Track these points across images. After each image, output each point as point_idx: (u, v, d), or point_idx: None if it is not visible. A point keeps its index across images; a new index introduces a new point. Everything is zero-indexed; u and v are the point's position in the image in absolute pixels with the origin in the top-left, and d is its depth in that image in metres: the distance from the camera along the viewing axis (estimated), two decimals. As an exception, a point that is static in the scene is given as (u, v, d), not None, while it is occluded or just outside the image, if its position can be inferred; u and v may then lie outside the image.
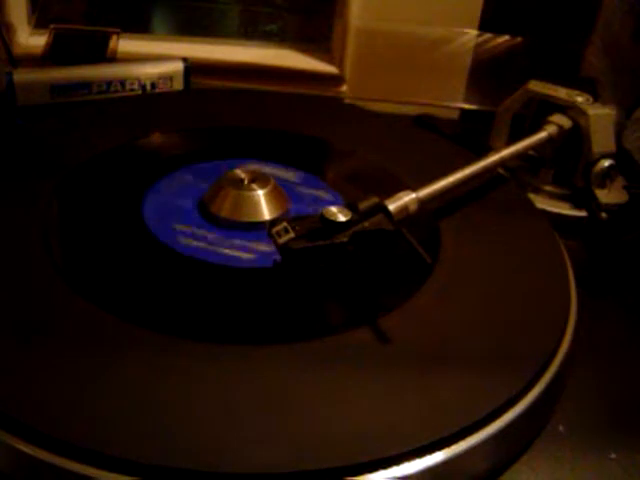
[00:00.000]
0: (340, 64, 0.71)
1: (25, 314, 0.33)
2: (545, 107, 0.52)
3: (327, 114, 0.56)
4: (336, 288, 0.38)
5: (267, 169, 0.46)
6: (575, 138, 0.50)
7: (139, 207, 0.42)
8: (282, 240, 0.36)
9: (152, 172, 0.46)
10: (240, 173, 0.42)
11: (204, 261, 0.38)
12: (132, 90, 0.57)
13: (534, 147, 0.49)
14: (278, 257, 0.37)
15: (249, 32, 0.80)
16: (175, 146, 0.50)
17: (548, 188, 0.51)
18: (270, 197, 0.42)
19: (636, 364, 0.39)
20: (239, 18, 0.83)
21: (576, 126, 0.50)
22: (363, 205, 0.37)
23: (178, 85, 0.59)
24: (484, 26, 0.71)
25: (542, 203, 0.50)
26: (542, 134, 0.49)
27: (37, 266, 0.36)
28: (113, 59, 0.62)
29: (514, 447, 0.32)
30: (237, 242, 0.40)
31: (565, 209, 0.50)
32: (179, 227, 0.41)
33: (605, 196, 0.49)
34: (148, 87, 0.57)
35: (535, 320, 0.36)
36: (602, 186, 0.49)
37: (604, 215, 0.48)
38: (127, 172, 0.46)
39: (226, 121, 0.53)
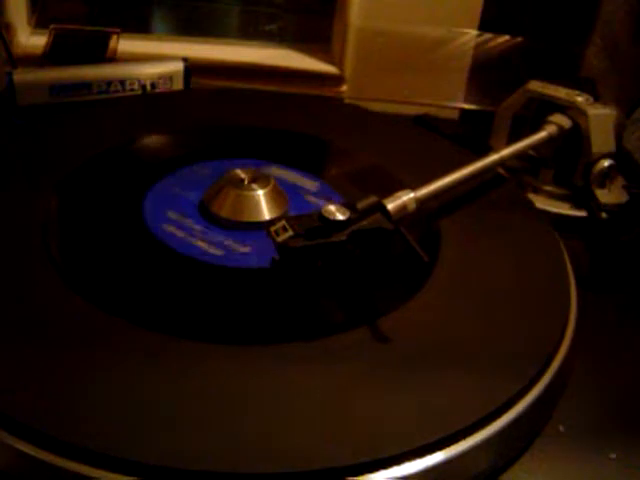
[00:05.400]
0: (340, 64, 0.71)
1: (25, 314, 0.33)
2: (545, 107, 0.51)
3: (327, 114, 0.56)
4: (334, 287, 0.38)
5: (267, 169, 0.46)
6: (575, 138, 0.50)
7: (139, 207, 0.42)
8: (280, 238, 0.36)
9: (152, 172, 0.46)
10: (240, 173, 0.42)
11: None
12: (132, 90, 0.57)
13: (534, 147, 0.49)
14: (277, 256, 0.37)
15: (249, 32, 0.80)
16: (175, 146, 0.50)
17: (548, 188, 0.51)
18: (270, 197, 0.42)
19: (636, 364, 0.39)
20: (239, 18, 0.83)
21: (576, 126, 0.50)
22: (362, 204, 0.37)
23: (178, 85, 0.58)
24: (484, 26, 0.71)
25: (542, 203, 0.50)
26: (542, 134, 0.49)
27: (36, 266, 0.36)
28: (113, 59, 0.62)
29: (514, 447, 0.32)
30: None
31: (565, 209, 0.50)
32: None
33: (605, 196, 0.49)
34: (148, 87, 0.57)
35: (535, 320, 0.36)
36: (602, 186, 0.49)
37: (604, 215, 0.48)
38: (127, 172, 0.46)
39: (226, 121, 0.53)
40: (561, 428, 0.34)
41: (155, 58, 0.61)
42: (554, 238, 0.43)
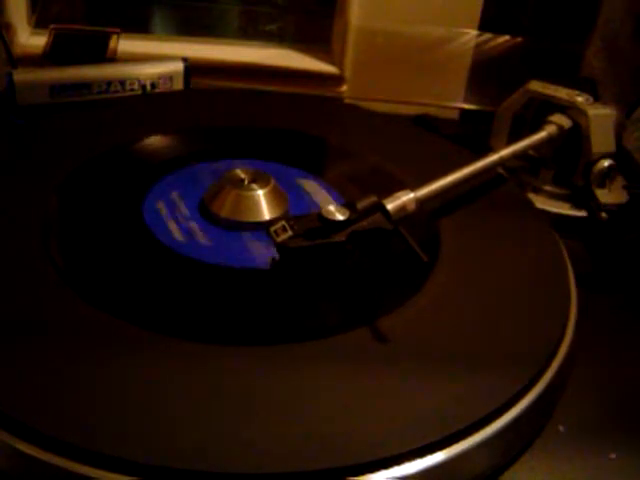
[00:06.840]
0: (340, 64, 0.71)
1: (25, 314, 0.33)
2: (545, 107, 0.52)
3: (327, 114, 0.56)
4: (334, 287, 0.38)
5: (267, 168, 0.46)
6: (575, 138, 0.50)
7: (139, 207, 0.42)
8: (280, 239, 0.36)
9: (152, 172, 0.46)
10: (240, 173, 0.42)
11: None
12: (132, 90, 0.57)
13: (534, 147, 0.49)
14: (276, 256, 0.37)
15: (249, 32, 0.80)
16: (175, 146, 0.50)
17: (548, 188, 0.51)
18: (270, 197, 0.42)
19: (636, 364, 0.39)
20: (239, 18, 0.83)
21: (576, 126, 0.50)
22: (361, 204, 0.37)
23: (178, 85, 0.58)
24: (484, 26, 0.71)
25: (542, 203, 0.50)
26: (542, 134, 0.49)
27: (37, 266, 0.36)
28: (113, 59, 0.62)
29: (514, 447, 0.32)
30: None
31: (565, 209, 0.50)
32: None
33: (605, 196, 0.49)
34: (148, 87, 0.57)
35: (535, 320, 0.36)
36: (602, 186, 0.49)
37: (604, 215, 0.48)
38: (127, 172, 0.46)
39: (226, 121, 0.53)
40: (561, 428, 0.34)
41: (155, 58, 0.61)
42: (554, 238, 0.43)
